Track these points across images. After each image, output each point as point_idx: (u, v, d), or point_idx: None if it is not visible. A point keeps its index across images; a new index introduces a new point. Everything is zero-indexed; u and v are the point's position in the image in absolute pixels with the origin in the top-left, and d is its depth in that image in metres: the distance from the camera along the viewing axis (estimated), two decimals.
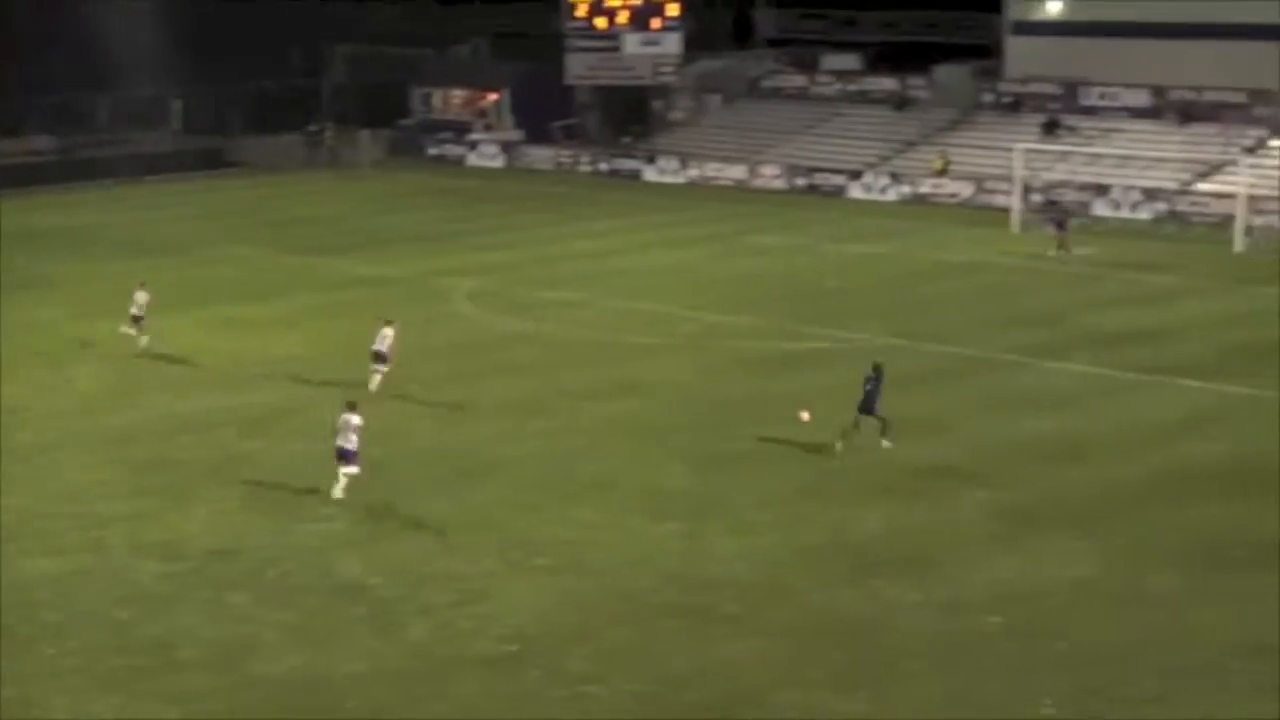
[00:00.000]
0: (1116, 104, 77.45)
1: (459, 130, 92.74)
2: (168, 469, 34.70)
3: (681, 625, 26.58)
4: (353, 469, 32.22)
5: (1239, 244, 61.17)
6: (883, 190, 76.42)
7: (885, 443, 35.30)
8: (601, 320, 49.48)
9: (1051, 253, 59.44)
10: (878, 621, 26.77)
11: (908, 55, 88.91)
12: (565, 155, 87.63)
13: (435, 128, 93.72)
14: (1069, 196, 69.79)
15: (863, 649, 25.69)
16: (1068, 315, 49.74)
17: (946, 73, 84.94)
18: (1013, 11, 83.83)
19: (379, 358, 40.03)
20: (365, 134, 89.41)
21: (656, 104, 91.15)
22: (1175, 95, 75.66)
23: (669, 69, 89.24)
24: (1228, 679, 24.62)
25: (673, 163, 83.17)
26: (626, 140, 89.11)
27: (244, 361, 44.22)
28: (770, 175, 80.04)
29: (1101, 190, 70.44)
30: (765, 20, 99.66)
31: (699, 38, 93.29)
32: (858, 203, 75.32)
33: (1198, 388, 41.11)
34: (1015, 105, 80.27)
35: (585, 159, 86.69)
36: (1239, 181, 64.11)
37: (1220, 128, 72.85)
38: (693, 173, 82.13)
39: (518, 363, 43.56)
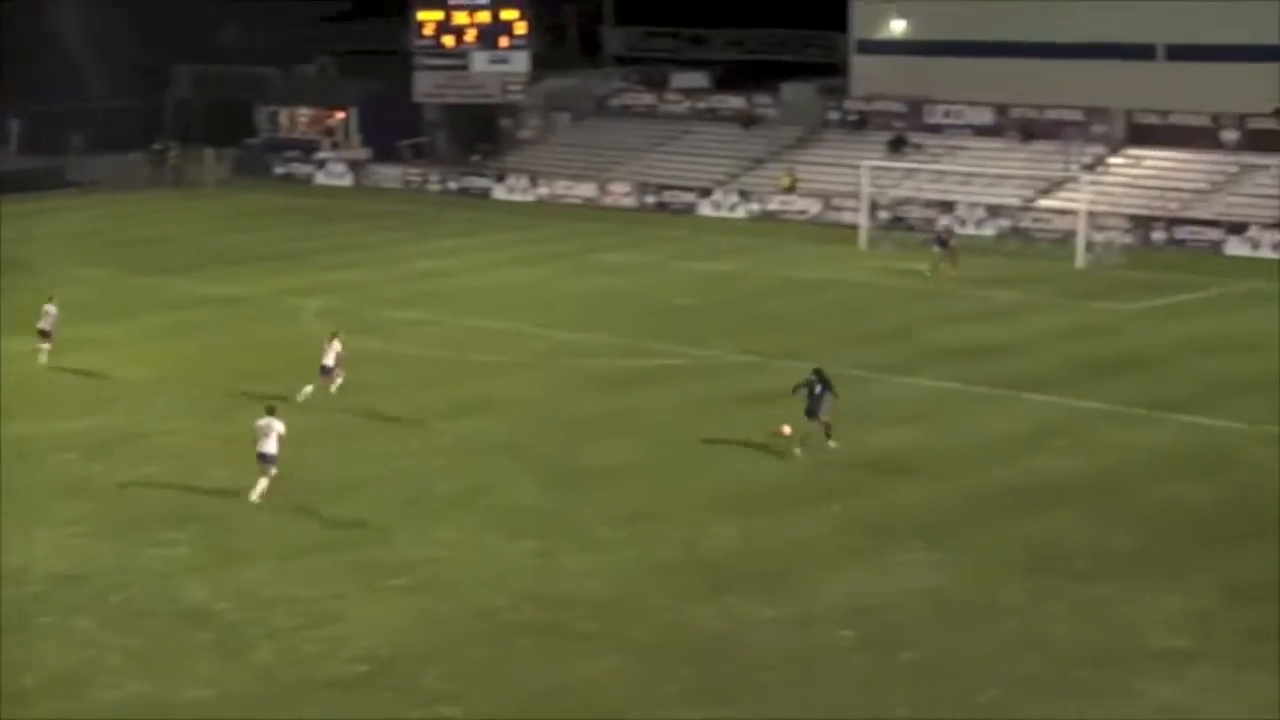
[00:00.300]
0: (960, 121, 78.37)
1: (306, 149, 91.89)
2: (10, 493, 33.95)
3: (537, 643, 26.48)
4: (271, 470, 32.84)
5: (1080, 260, 62.09)
6: (732, 208, 76.79)
7: (830, 443, 36.51)
8: (451, 339, 49.25)
9: (950, 278, 58.23)
10: (732, 637, 26.83)
11: (755, 74, 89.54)
12: (414, 174, 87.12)
13: (282, 146, 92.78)
14: (915, 213, 70.51)
15: (717, 665, 25.72)
16: (916, 331, 50.24)
17: (793, 91, 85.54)
18: (858, 30, 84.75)
19: (324, 370, 40.79)
20: (210, 153, 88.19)
21: (505, 122, 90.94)
22: (1017, 113, 76.71)
23: (517, 87, 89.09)
24: (1071, 688, 24.95)
25: (522, 181, 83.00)
26: (475, 159, 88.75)
27: (91, 383, 43.51)
28: (620, 193, 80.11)
29: (947, 207, 71.22)
30: (613, 38, 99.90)
31: (547, 56, 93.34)
32: (707, 220, 75.57)
33: (1044, 401, 41.68)
34: (861, 123, 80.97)
35: (434, 177, 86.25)
36: (1080, 198, 65.02)
37: (1061, 145, 74.00)
38: (542, 191, 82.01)
39: (368, 382, 43.15)
